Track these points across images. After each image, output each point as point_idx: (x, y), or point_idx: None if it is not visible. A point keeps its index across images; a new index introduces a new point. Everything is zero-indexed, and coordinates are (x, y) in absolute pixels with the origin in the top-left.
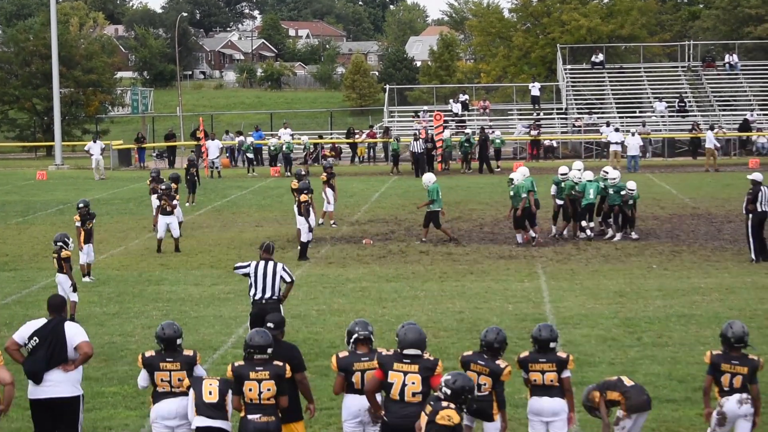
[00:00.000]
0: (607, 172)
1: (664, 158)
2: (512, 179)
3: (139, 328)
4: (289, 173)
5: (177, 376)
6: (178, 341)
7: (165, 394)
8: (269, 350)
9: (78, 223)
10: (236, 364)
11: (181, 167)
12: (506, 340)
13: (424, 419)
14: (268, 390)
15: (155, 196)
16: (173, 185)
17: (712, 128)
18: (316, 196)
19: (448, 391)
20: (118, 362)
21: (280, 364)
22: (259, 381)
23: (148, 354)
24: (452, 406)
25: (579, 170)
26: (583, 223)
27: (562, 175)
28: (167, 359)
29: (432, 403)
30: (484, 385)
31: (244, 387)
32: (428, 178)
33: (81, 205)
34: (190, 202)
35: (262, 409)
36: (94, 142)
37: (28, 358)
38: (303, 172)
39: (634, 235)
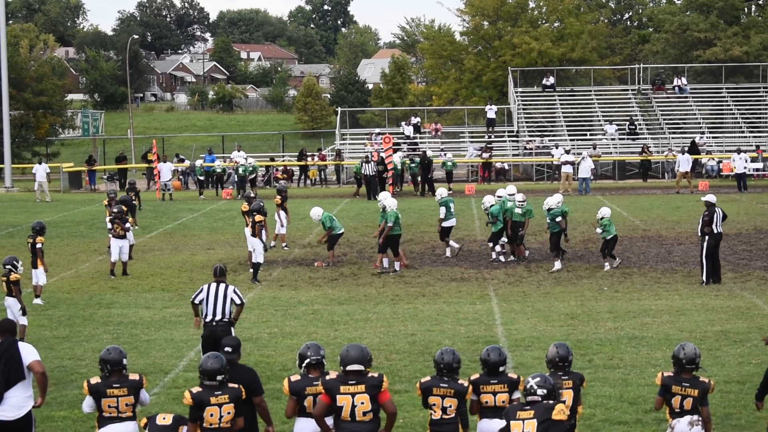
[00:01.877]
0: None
1: (614, 181)
2: (385, 206)
3: (90, 351)
4: (240, 196)
5: (124, 401)
6: (124, 361)
7: (111, 419)
8: (220, 377)
9: (40, 244)
10: (194, 390)
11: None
12: (461, 361)
13: (530, 425)
14: (228, 413)
15: (108, 218)
16: (123, 208)
17: (683, 152)
18: (268, 218)
19: (544, 391)
20: (68, 386)
21: (236, 386)
22: (220, 405)
23: (93, 381)
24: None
25: (512, 195)
26: (495, 247)
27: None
28: (114, 385)
29: (529, 408)
30: (450, 407)
31: (206, 413)
32: (316, 212)
33: (44, 227)
34: (133, 225)
35: None
36: (40, 164)
37: None
38: (253, 195)
39: (616, 262)
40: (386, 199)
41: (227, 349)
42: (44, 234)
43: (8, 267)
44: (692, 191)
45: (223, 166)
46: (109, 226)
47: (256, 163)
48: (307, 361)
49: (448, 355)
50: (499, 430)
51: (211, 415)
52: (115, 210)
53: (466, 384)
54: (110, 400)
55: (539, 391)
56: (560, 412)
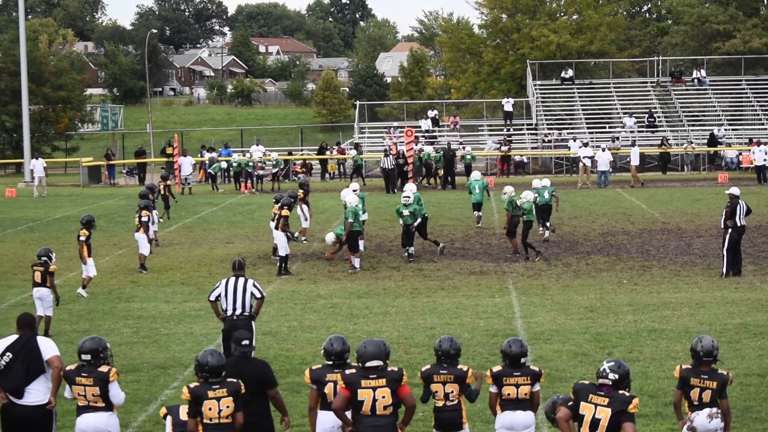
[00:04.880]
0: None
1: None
2: (345, 203)
3: (110, 345)
4: (255, 191)
5: (91, 391)
6: (101, 355)
7: (85, 408)
8: (224, 372)
9: (84, 237)
10: (192, 385)
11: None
12: (460, 348)
13: (603, 412)
14: (227, 407)
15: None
16: (151, 196)
17: (633, 144)
18: (292, 214)
19: (616, 376)
20: None
21: (235, 380)
22: (218, 399)
23: (68, 368)
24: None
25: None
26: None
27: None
28: (82, 374)
29: (603, 394)
30: (452, 392)
31: (204, 407)
32: (329, 237)
33: (90, 220)
34: (166, 217)
35: (220, 428)
36: (36, 159)
37: (3, 375)
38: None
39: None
40: (347, 195)
41: (244, 342)
42: (90, 227)
43: (44, 258)
44: (640, 184)
45: (239, 161)
46: (156, 218)
47: (279, 157)
48: (329, 363)
49: (445, 342)
50: (568, 405)
51: (210, 409)
52: (144, 203)
53: (465, 368)
54: (78, 389)
55: (611, 375)
56: (636, 407)
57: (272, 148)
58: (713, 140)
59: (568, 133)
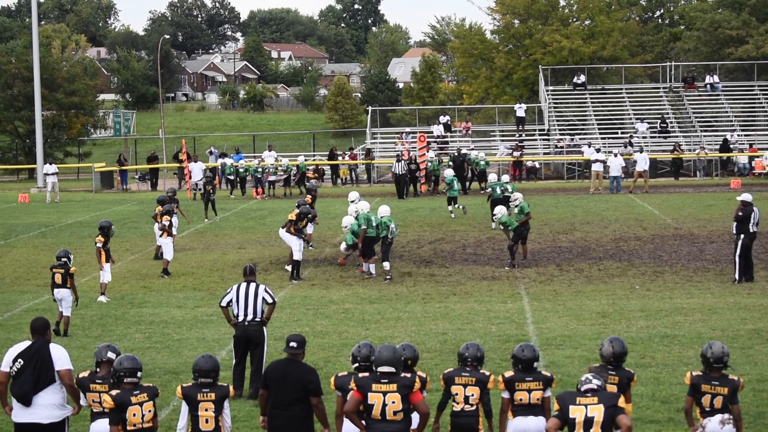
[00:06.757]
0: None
1: (645, 179)
2: (357, 210)
3: (122, 351)
4: (266, 196)
5: (105, 397)
6: (110, 355)
7: (99, 414)
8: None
9: (100, 244)
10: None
11: (163, 189)
12: (483, 355)
13: (596, 410)
14: (206, 411)
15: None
16: (174, 205)
17: (641, 150)
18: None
19: (600, 382)
20: None
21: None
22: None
23: (81, 375)
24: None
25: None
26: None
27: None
28: (97, 381)
29: (591, 395)
30: (472, 396)
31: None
32: (342, 247)
33: (108, 225)
34: (208, 218)
35: None
36: (50, 165)
37: (14, 381)
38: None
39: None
40: (359, 202)
41: (292, 344)
42: (106, 233)
43: (64, 259)
44: (647, 191)
45: (246, 166)
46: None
47: (289, 162)
48: (356, 366)
49: (472, 348)
50: (554, 414)
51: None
52: (166, 208)
53: (488, 374)
54: (93, 395)
55: (595, 381)
56: (623, 403)
57: (284, 153)
58: (726, 146)
59: (580, 139)
